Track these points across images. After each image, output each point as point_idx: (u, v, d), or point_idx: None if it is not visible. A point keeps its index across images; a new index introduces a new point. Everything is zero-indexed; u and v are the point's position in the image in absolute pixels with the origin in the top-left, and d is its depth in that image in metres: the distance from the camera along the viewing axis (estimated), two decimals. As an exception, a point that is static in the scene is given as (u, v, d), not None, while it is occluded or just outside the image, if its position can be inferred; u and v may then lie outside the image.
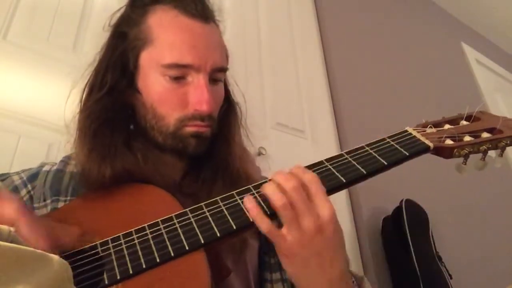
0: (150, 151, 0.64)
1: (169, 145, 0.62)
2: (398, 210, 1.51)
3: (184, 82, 0.61)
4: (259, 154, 1.34)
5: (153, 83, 0.61)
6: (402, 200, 1.51)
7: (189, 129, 0.61)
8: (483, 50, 3.00)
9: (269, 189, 0.48)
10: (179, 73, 0.60)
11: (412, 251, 1.40)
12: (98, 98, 0.63)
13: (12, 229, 0.35)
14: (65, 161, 0.67)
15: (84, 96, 0.65)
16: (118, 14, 0.68)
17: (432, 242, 1.49)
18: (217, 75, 0.64)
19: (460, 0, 2.85)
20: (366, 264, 1.43)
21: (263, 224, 0.47)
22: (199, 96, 0.60)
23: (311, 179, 0.48)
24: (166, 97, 0.61)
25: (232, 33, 1.57)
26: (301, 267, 0.48)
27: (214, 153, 0.66)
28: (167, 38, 0.61)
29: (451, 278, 1.44)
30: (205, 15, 0.64)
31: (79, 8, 1.18)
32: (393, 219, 1.51)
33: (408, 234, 1.43)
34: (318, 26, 1.94)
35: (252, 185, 0.53)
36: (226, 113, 0.70)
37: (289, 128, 1.54)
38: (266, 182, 0.51)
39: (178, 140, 0.62)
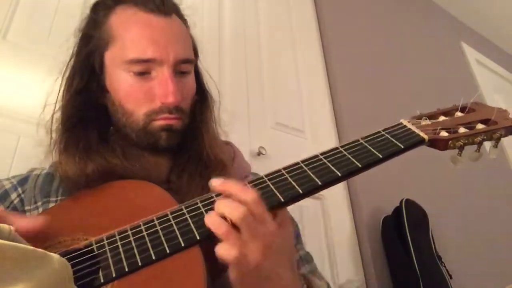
0: (129, 148, 0.65)
1: (142, 141, 0.63)
2: (398, 210, 1.51)
3: (149, 77, 0.61)
4: (259, 154, 1.34)
5: (118, 81, 0.62)
6: (402, 200, 1.51)
7: (158, 123, 0.61)
8: (483, 50, 3.00)
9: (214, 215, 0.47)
10: (142, 68, 0.61)
11: (412, 251, 1.40)
12: (68, 99, 0.64)
13: (12, 228, 0.35)
14: (55, 165, 0.67)
15: (57, 99, 0.66)
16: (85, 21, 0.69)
17: (432, 242, 1.50)
18: (182, 67, 0.64)
19: (460, 0, 2.85)
20: (366, 264, 1.43)
21: None
22: (164, 88, 0.60)
23: (252, 200, 0.47)
24: (132, 93, 0.61)
25: (232, 33, 1.57)
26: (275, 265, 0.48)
27: (188, 145, 0.67)
28: (127, 34, 0.62)
29: (451, 278, 1.44)
30: (164, 9, 0.64)
31: (79, 8, 1.18)
32: (393, 219, 1.51)
33: (408, 234, 1.43)
34: (318, 26, 1.94)
35: (265, 174, 0.53)
36: (199, 104, 0.70)
37: (289, 128, 1.54)
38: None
39: (150, 135, 0.62)
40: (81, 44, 0.67)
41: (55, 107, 0.65)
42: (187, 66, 0.65)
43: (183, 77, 0.65)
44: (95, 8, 0.68)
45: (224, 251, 0.45)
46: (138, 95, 0.61)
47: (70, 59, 0.68)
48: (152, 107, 0.61)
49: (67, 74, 0.67)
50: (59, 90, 0.67)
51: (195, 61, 0.68)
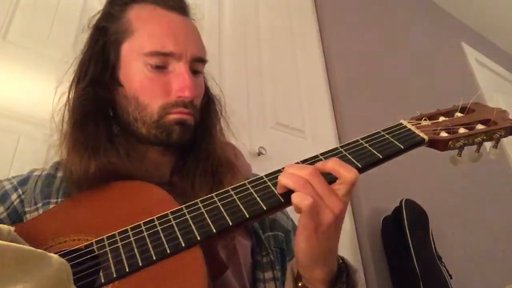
0: (134, 147, 0.64)
1: (153, 136, 0.62)
2: (398, 210, 1.51)
3: (166, 71, 0.62)
4: (259, 154, 1.34)
5: (135, 73, 0.62)
6: (402, 200, 1.51)
7: (173, 117, 0.62)
8: (483, 50, 3.00)
9: (285, 177, 0.48)
10: (160, 62, 0.61)
11: (412, 251, 1.40)
12: (80, 89, 0.64)
13: (12, 228, 0.35)
14: (56, 166, 0.67)
15: (69, 91, 0.66)
16: (98, 16, 0.70)
17: (432, 242, 1.49)
18: (196, 66, 0.65)
19: (460, 0, 2.85)
20: (366, 264, 1.43)
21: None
22: (181, 82, 0.61)
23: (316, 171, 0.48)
24: (148, 85, 0.62)
25: (232, 33, 1.57)
26: (329, 236, 0.48)
27: (196, 145, 0.67)
28: (147, 28, 0.63)
29: (451, 278, 1.44)
30: (182, 8, 0.66)
31: (79, 8, 1.18)
32: (393, 219, 1.51)
33: (408, 234, 1.43)
34: (318, 26, 1.94)
35: (265, 174, 0.53)
36: (206, 106, 0.71)
37: (289, 128, 1.54)
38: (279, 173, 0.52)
39: (162, 128, 0.62)
40: (96, 36, 0.67)
41: (68, 97, 0.65)
42: (200, 65, 0.67)
43: (196, 76, 0.66)
44: (111, 3, 0.69)
45: (300, 198, 0.45)
46: (154, 87, 0.61)
47: (83, 50, 0.68)
48: (167, 100, 0.61)
49: (80, 64, 0.67)
50: (72, 82, 0.66)
51: (206, 62, 0.69)
